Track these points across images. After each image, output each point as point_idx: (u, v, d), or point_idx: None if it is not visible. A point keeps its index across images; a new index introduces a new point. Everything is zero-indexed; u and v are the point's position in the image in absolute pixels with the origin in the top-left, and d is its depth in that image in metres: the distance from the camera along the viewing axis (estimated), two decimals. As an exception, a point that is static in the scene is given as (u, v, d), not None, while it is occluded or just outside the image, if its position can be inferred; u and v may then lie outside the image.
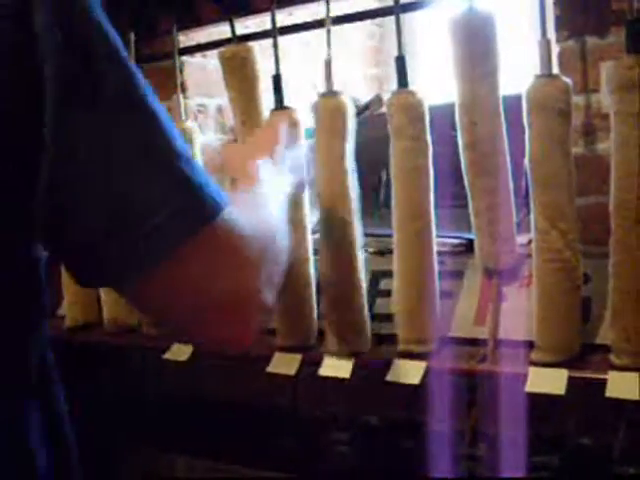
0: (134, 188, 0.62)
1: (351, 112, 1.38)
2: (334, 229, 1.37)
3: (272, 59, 1.48)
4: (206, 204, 0.64)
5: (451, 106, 1.29)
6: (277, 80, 1.48)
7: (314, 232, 1.50)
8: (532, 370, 1.20)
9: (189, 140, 1.61)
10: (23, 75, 0.60)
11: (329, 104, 1.38)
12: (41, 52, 0.60)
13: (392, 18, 1.36)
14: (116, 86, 0.64)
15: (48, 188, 0.62)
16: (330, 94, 1.39)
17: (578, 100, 1.32)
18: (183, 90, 1.84)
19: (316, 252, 1.46)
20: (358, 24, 2.08)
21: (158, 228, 0.61)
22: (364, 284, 1.39)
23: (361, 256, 1.39)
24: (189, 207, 0.63)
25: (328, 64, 1.40)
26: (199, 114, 1.89)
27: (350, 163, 1.37)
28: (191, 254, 0.63)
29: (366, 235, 1.42)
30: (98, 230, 0.62)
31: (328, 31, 1.41)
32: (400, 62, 1.35)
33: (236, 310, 0.68)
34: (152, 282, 0.64)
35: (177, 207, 0.62)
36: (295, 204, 1.43)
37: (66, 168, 0.61)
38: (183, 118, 1.64)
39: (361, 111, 1.38)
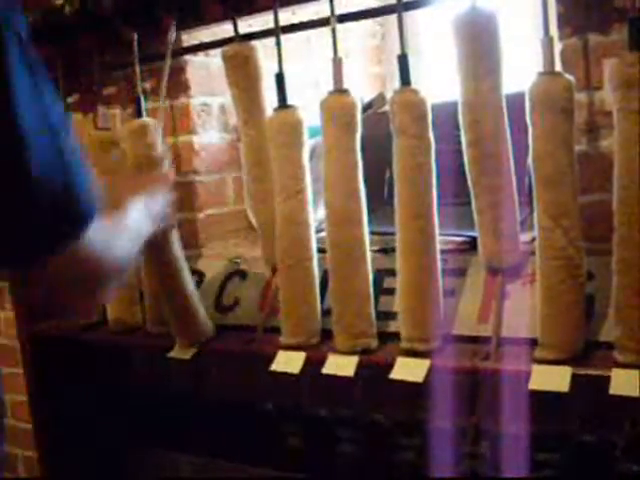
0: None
1: (359, 109, 1.39)
2: (343, 224, 1.38)
3: (274, 58, 1.48)
4: (76, 223, 0.76)
5: (454, 104, 1.29)
6: (280, 79, 1.48)
7: (318, 231, 1.50)
8: (535, 368, 1.20)
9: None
10: None
11: (339, 101, 1.38)
12: None
13: (395, 16, 1.36)
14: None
15: None
16: (339, 91, 1.39)
17: (581, 97, 1.32)
18: (186, 89, 1.84)
19: (320, 250, 1.46)
20: (360, 23, 2.08)
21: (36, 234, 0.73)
22: (371, 281, 1.39)
23: (369, 252, 1.39)
24: (64, 220, 0.75)
25: (338, 62, 1.40)
26: (202, 113, 1.88)
27: (358, 158, 1.38)
28: (59, 263, 0.76)
29: (370, 233, 1.42)
30: None
31: (333, 30, 1.41)
32: (402, 60, 1.35)
33: (87, 298, 0.88)
34: (37, 271, 0.77)
35: (54, 218, 0.74)
36: (298, 203, 1.44)
37: None
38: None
39: (364, 109, 1.38)
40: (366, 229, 1.39)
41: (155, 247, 1.48)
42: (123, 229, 0.95)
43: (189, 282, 1.58)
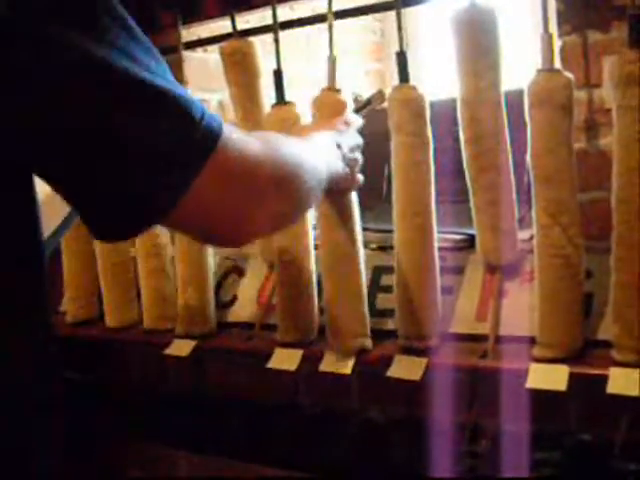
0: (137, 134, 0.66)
1: (350, 108, 1.38)
2: (335, 224, 1.37)
3: (272, 54, 1.47)
4: (202, 138, 0.68)
5: (453, 101, 1.29)
6: (278, 75, 1.47)
7: (315, 227, 1.49)
8: (533, 366, 1.19)
9: None
10: None
11: (330, 98, 1.38)
12: None
13: (394, 13, 1.36)
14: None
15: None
16: (331, 89, 1.38)
17: (580, 95, 1.31)
18: (184, 85, 1.84)
19: (317, 247, 1.46)
20: (360, 19, 2.08)
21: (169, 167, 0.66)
22: (364, 279, 1.38)
23: (361, 250, 1.38)
24: (191, 142, 0.68)
25: (333, 61, 1.39)
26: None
27: None
28: (205, 183, 0.68)
29: (368, 230, 1.41)
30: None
31: (330, 26, 1.40)
32: (401, 57, 1.34)
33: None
34: (183, 210, 0.69)
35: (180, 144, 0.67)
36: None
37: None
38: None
39: (363, 106, 1.37)
40: (358, 227, 1.37)
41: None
42: (295, 142, 0.90)
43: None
